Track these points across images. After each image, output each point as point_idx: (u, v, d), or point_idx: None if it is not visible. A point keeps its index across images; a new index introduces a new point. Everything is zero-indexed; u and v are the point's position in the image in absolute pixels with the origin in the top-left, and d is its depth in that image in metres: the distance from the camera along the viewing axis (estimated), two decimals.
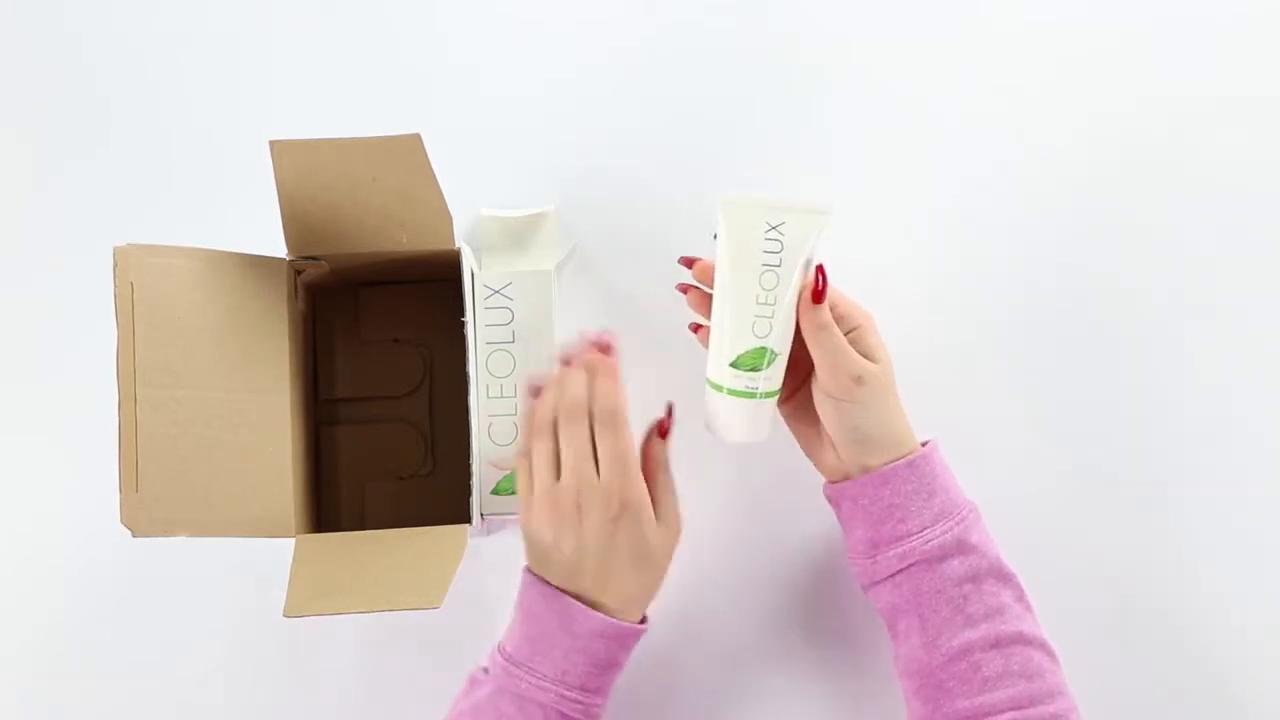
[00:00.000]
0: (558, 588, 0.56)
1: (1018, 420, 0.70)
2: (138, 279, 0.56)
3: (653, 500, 0.57)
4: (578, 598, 0.56)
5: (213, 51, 0.74)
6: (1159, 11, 0.73)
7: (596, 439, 0.55)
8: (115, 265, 0.55)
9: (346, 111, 0.73)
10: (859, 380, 0.57)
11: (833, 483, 0.61)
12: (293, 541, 0.58)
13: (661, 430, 0.59)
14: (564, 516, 0.55)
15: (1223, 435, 0.70)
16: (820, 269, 0.57)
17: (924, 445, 0.59)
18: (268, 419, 0.59)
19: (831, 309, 0.58)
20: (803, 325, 0.58)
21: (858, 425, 0.57)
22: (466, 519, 0.60)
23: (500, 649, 0.57)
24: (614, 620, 0.56)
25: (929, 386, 0.68)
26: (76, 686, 0.68)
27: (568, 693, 0.55)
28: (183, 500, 0.56)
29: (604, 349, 0.58)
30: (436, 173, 0.56)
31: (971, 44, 0.73)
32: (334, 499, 0.68)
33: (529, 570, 0.57)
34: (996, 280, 0.71)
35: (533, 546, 0.57)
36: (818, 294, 0.56)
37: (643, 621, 0.58)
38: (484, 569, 0.68)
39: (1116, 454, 0.70)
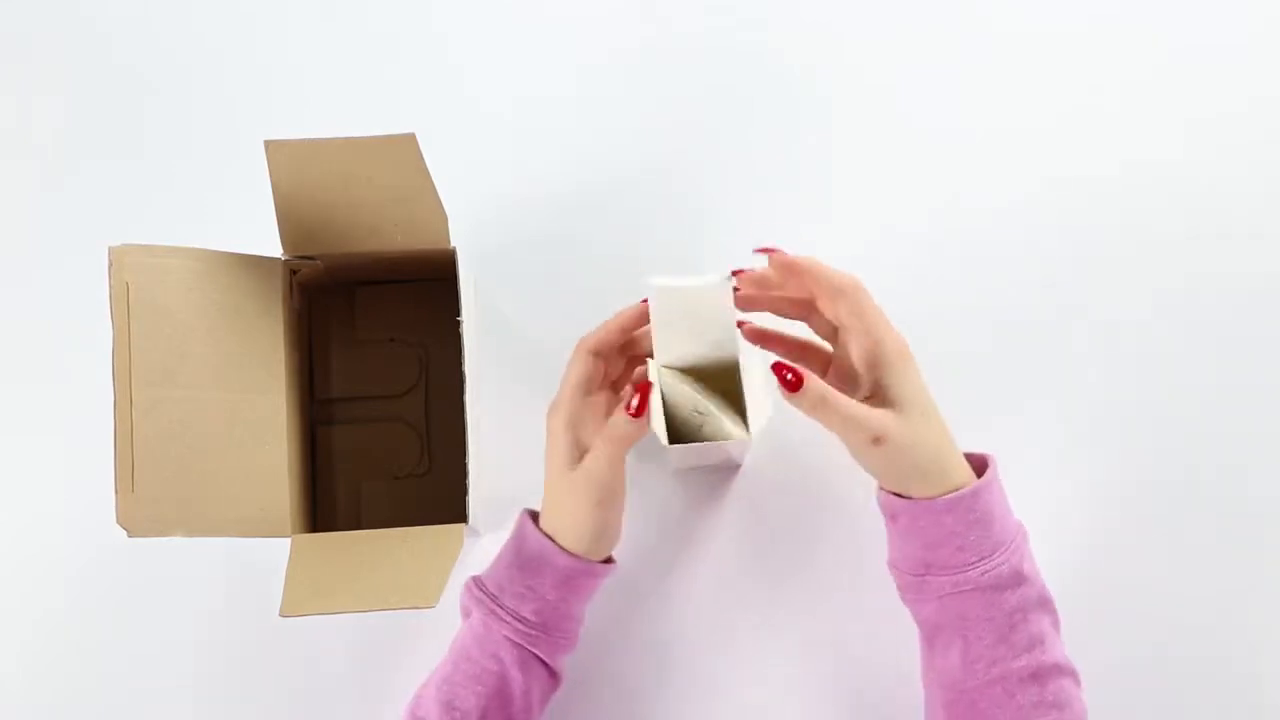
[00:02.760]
0: (531, 514, 0.60)
1: (1033, 428, 0.70)
2: (133, 279, 0.56)
3: (588, 446, 0.57)
4: (538, 526, 0.59)
5: (209, 52, 0.74)
6: (1157, 23, 0.73)
7: None
8: (110, 265, 0.55)
9: (342, 111, 0.73)
10: (878, 441, 0.53)
11: (889, 492, 0.57)
12: (289, 541, 0.58)
13: (630, 408, 0.56)
14: None
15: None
16: (779, 366, 0.53)
17: (985, 465, 0.56)
18: (263, 419, 0.59)
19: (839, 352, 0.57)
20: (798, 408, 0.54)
21: (891, 472, 0.55)
22: (463, 518, 0.60)
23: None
24: (554, 546, 0.58)
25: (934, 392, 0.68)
26: (73, 686, 0.68)
27: (498, 610, 0.57)
28: (179, 500, 0.56)
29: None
30: (431, 172, 0.56)
31: (971, 46, 0.73)
32: (330, 498, 0.68)
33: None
34: (999, 282, 0.71)
35: None
36: (790, 385, 0.53)
37: (607, 562, 0.60)
38: (479, 568, 0.68)
39: (1142, 463, 0.69)
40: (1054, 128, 0.72)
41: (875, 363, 0.55)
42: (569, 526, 0.58)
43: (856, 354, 0.55)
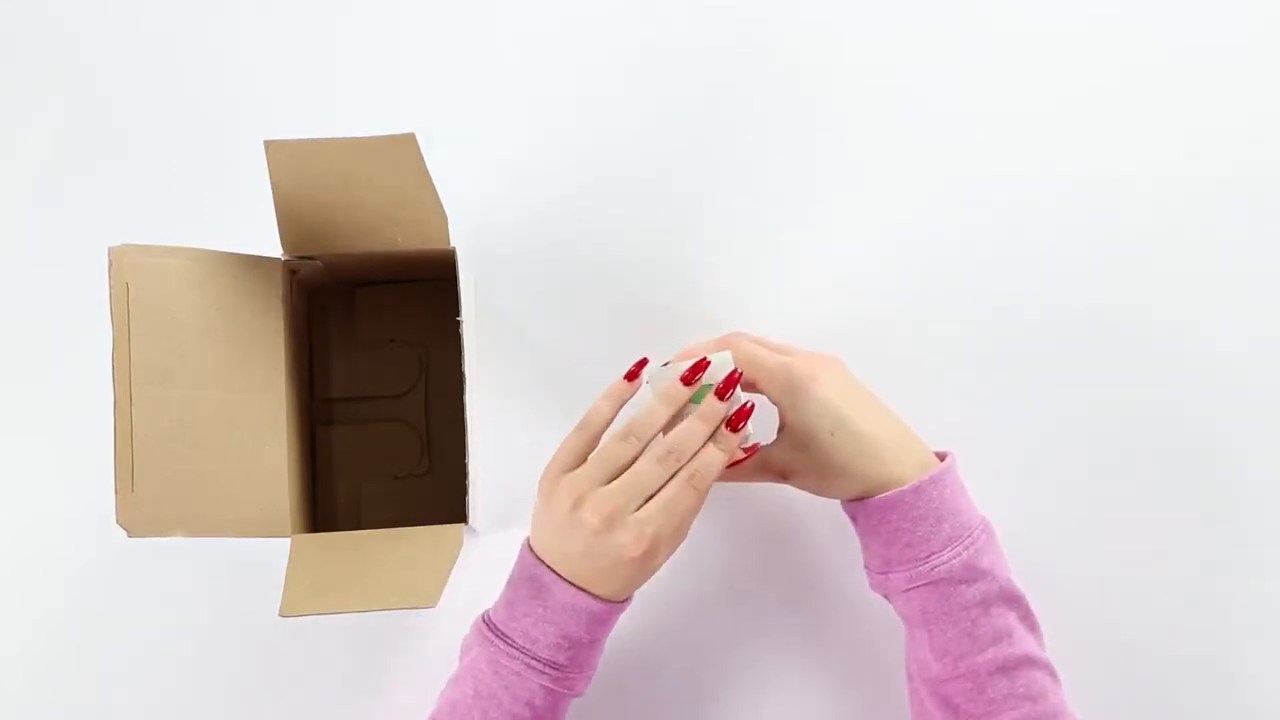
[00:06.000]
0: (539, 557, 0.56)
1: (1022, 428, 0.69)
2: (133, 279, 0.56)
3: None
4: (558, 574, 0.55)
5: (209, 52, 0.74)
6: (1157, 21, 0.73)
7: (673, 485, 0.54)
8: (110, 265, 0.55)
9: (342, 111, 0.73)
10: (786, 476, 0.60)
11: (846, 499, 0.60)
12: (289, 541, 0.58)
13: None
14: (585, 516, 0.53)
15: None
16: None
17: (941, 459, 0.58)
18: (263, 419, 0.59)
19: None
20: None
21: (821, 490, 0.60)
22: (462, 518, 0.60)
23: (484, 614, 0.58)
24: (587, 595, 0.55)
25: (936, 389, 0.69)
26: (73, 687, 0.68)
27: (534, 663, 0.55)
28: (179, 500, 0.56)
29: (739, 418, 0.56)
30: (431, 172, 0.56)
31: (973, 44, 0.73)
32: (330, 499, 0.68)
33: (527, 539, 0.58)
34: (1001, 281, 0.71)
35: (539, 514, 0.56)
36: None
37: (625, 600, 0.57)
38: (479, 568, 0.68)
39: (1125, 463, 0.69)
40: (1054, 128, 0.72)
41: (771, 396, 0.59)
42: (613, 587, 0.55)
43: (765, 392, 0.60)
